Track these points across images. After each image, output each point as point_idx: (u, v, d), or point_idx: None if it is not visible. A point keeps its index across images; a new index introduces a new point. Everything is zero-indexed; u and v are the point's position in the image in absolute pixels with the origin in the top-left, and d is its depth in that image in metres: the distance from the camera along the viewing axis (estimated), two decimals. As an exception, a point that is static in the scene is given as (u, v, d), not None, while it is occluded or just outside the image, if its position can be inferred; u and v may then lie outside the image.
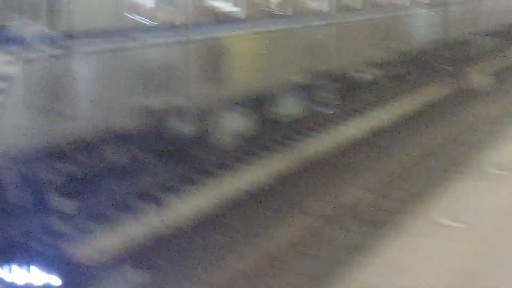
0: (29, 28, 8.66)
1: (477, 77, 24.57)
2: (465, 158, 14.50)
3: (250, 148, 14.04)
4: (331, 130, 16.68)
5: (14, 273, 8.65)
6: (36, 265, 8.68)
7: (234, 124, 12.88)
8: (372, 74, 18.91)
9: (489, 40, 30.23)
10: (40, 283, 8.64)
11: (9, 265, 8.64)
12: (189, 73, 11.38)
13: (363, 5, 17.61)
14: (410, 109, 20.66)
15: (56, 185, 9.22)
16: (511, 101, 21.87)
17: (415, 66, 22.51)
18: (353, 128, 17.58)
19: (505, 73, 27.71)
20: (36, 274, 8.65)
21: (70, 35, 8.95)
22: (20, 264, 8.67)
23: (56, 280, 8.63)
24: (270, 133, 14.85)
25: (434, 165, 15.23)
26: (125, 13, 10.02)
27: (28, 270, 8.70)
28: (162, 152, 11.29)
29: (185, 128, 11.36)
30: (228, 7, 12.74)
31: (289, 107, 15.11)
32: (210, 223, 11.38)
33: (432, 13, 22.42)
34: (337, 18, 16.21)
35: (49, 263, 8.72)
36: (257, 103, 13.71)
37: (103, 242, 9.84)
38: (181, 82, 11.16)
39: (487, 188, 9.83)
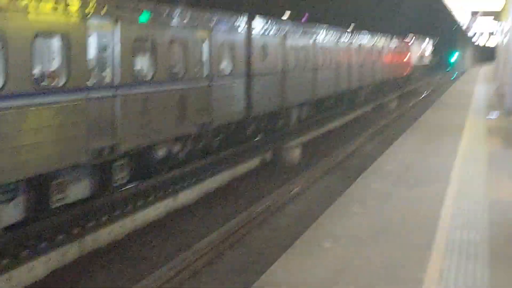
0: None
1: (287, 150, 24.03)
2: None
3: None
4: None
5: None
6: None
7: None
8: (170, 150, 17.71)
9: (305, 110, 30.24)
10: None
11: None
12: None
13: (154, 75, 16.42)
14: (217, 185, 19.52)
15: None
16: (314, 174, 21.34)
17: (223, 139, 21.65)
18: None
19: (314, 145, 27.45)
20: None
21: None
22: None
23: None
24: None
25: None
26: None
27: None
28: None
29: None
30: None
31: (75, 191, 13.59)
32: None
33: (236, 84, 21.71)
34: (123, 90, 14.92)
35: None
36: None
37: None
38: None
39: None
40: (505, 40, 30.43)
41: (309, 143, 27.70)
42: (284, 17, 34.51)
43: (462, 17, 45.87)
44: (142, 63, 16.25)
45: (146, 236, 14.81)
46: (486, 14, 43.29)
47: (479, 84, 52.35)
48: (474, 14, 44.54)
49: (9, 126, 11.40)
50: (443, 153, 17.99)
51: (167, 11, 17.01)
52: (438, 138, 21.07)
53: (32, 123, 11.92)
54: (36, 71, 12.51)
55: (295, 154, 24.13)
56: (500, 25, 40.46)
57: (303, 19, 36.70)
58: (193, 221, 16.11)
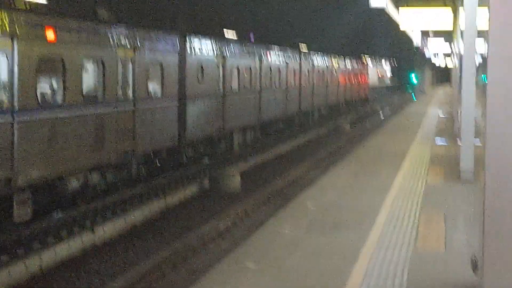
0: None
1: (226, 177, 22.57)
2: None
3: None
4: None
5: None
6: None
7: None
8: (86, 181, 16.12)
9: (249, 134, 28.91)
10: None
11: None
12: None
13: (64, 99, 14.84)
14: (144, 217, 17.97)
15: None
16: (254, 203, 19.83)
17: (154, 166, 20.13)
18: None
19: (259, 170, 26.03)
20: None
21: None
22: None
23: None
24: None
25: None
26: None
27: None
28: None
29: None
30: None
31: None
32: None
33: (166, 107, 20.22)
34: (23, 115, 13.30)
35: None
36: None
37: None
38: None
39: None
40: (457, 63, 29.34)
41: (255, 169, 26.24)
42: (227, 36, 33.13)
43: (415, 37, 44.87)
44: (49, 85, 14.70)
45: (53, 277, 13.29)
46: (436, 34, 42.31)
47: (433, 106, 51.47)
48: (425, 34, 43.52)
49: None
50: (375, 188, 15.99)
51: (79, 26, 15.46)
52: (375, 168, 19.20)
53: None
54: None
55: (235, 181, 22.64)
56: (452, 46, 39.60)
57: (249, 39, 35.41)
58: (110, 259, 14.58)
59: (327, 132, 41.56)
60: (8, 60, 12.93)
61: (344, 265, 9.78)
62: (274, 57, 32.31)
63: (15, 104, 13.08)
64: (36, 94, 13.80)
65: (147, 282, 12.68)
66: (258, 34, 38.59)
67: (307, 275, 9.45)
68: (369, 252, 10.42)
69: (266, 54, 31.00)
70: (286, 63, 34.31)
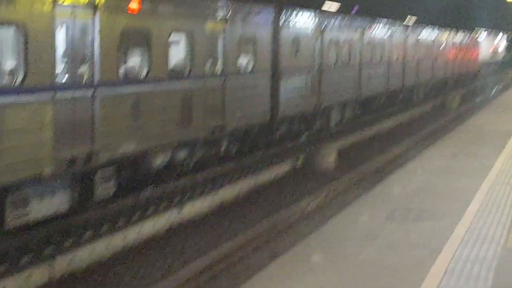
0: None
1: (321, 155, 21.81)
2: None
3: None
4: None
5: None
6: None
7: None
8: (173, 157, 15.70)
9: (348, 111, 28.00)
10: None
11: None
12: None
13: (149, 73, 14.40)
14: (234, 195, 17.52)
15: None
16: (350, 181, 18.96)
17: (244, 143, 19.59)
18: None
19: (357, 149, 25.13)
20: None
21: None
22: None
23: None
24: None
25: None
26: None
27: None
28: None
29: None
30: None
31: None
32: None
33: (258, 82, 19.58)
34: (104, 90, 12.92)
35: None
36: None
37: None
38: None
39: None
40: None
41: (352, 147, 25.35)
42: (326, 8, 32.04)
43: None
44: (132, 59, 14.29)
45: (136, 255, 13.02)
46: None
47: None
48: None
49: None
50: (472, 171, 14.54)
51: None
52: (475, 148, 17.70)
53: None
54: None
55: (329, 160, 21.86)
56: None
57: (352, 11, 34.23)
58: (193, 239, 14.19)
59: (432, 109, 40.03)
60: (89, 33, 12.53)
61: (422, 261, 8.71)
62: (376, 30, 31.10)
63: (97, 78, 12.70)
64: (118, 68, 13.38)
65: (226, 264, 12.16)
66: (363, 6, 37.27)
67: (378, 270, 8.46)
68: (453, 246, 9.31)
69: (368, 27, 29.86)
70: (389, 36, 33.02)
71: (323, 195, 17.14)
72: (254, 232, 13.91)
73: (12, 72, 11.06)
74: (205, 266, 11.80)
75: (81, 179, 12.90)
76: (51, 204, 12.27)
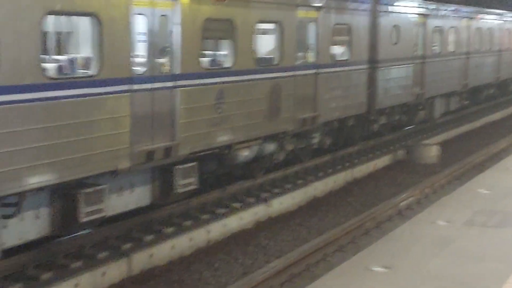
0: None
1: (423, 148, 20.89)
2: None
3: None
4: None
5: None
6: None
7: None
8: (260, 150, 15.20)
9: (453, 101, 26.79)
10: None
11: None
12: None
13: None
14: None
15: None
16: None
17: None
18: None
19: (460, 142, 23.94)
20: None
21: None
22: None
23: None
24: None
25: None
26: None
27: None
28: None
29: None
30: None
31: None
32: None
33: (355, 72, 18.83)
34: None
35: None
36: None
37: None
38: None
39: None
40: None
41: (458, 139, 24.20)
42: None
43: None
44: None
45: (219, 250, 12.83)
46: None
47: None
48: None
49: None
50: None
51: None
52: None
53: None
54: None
55: (432, 153, 20.86)
56: None
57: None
58: (280, 235, 13.75)
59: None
60: (168, 23, 12.15)
61: (498, 275, 7.70)
62: (486, 17, 29.60)
63: (177, 69, 12.30)
64: (199, 60, 12.93)
65: (306, 265, 11.56)
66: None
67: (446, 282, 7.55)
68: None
69: (476, 14, 28.43)
70: (501, 23, 31.39)
71: (418, 191, 16.23)
72: (340, 230, 13.24)
73: (88, 63, 10.83)
74: (284, 266, 11.23)
75: (162, 173, 12.58)
76: (131, 198, 12.01)
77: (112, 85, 10.71)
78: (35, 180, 9.49)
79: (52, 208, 10.49)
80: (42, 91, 9.47)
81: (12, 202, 9.55)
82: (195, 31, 12.63)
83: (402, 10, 21.63)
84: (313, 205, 16.02)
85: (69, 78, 10.33)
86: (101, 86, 10.48)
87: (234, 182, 15.26)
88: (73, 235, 11.22)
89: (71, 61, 10.66)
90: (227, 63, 13.88)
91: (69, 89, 9.91)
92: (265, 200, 14.95)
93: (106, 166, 10.73)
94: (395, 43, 21.16)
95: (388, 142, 22.00)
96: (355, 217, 14.31)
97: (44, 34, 10.36)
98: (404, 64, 21.75)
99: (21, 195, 9.46)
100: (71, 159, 10.02)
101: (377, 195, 17.01)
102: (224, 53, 14.07)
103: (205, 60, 13.36)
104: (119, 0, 10.84)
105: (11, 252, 10.09)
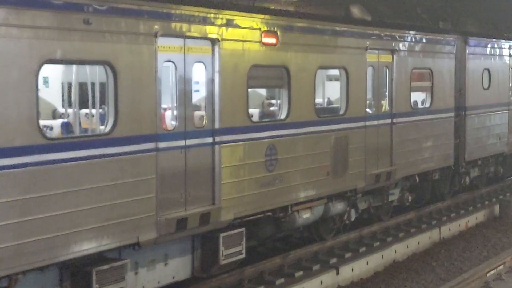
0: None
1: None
2: None
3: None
4: None
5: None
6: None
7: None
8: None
9: None
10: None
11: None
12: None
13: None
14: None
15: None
16: None
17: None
18: None
19: None
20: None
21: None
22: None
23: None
24: None
25: None
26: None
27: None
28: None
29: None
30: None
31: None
32: None
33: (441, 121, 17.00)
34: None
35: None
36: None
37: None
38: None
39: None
40: None
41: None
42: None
43: None
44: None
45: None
46: None
47: None
48: None
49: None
50: None
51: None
52: None
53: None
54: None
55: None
56: None
57: None
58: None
59: None
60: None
61: None
62: None
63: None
64: (244, 112, 11.47)
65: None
66: None
67: None
68: None
69: None
70: None
71: (510, 257, 14.11)
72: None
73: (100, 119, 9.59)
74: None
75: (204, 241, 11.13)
76: (164, 271, 10.58)
77: (129, 144, 9.35)
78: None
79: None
80: (39, 153, 8.18)
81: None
82: (239, 79, 11.22)
83: (494, 51, 19.67)
84: (391, 271, 14.14)
85: (73, 137, 9.07)
86: (114, 146, 9.12)
87: (299, 247, 13.65)
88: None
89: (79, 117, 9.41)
90: (280, 115, 12.38)
91: (73, 150, 8.59)
92: (334, 267, 13.21)
93: (124, 239, 9.32)
94: (487, 88, 19.18)
95: (483, 196, 19.87)
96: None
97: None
98: (498, 111, 19.69)
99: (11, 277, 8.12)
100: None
101: (467, 259, 14.97)
102: (276, 104, 12.59)
103: (251, 112, 11.90)
104: (140, 47, 9.54)
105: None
